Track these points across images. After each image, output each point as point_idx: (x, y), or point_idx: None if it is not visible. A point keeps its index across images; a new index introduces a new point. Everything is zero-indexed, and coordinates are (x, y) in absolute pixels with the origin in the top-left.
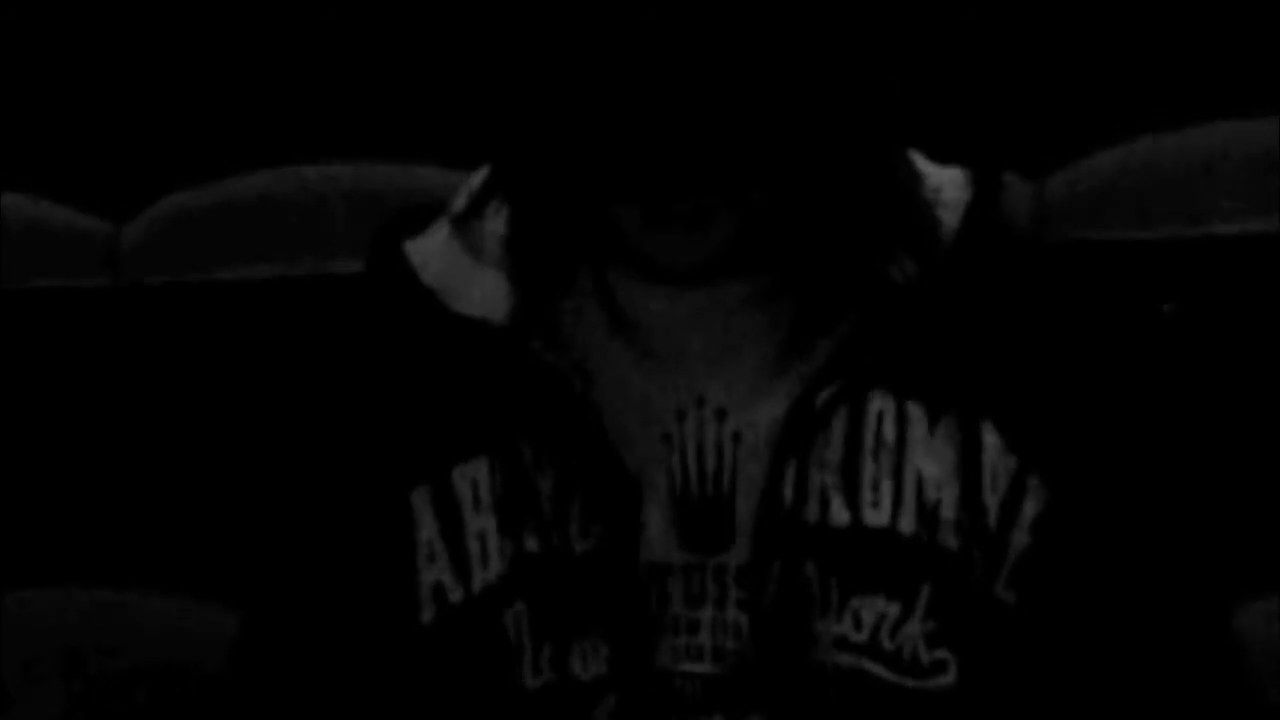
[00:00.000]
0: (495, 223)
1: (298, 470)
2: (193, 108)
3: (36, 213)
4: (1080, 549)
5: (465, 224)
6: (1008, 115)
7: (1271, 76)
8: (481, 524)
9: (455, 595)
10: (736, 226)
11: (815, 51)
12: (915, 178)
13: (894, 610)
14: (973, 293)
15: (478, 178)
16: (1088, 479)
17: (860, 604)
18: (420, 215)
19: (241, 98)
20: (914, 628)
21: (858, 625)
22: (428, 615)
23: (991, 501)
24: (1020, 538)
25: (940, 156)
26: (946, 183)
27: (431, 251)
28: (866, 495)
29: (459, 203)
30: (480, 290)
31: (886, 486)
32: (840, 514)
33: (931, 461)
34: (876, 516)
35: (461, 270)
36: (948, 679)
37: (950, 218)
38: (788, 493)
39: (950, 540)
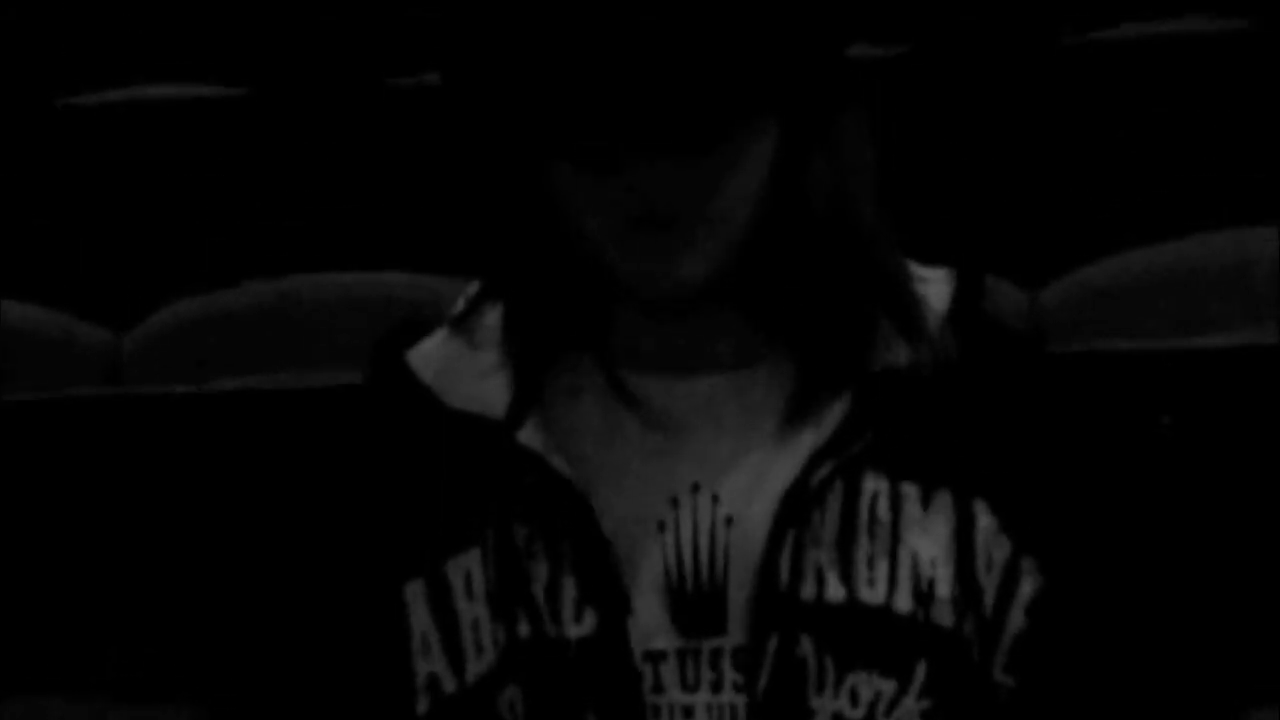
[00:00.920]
0: (492, 316)
1: (295, 572)
2: (194, 218)
3: (37, 321)
4: (1078, 640)
5: (463, 322)
6: (1003, 227)
7: (1264, 187)
8: (475, 613)
9: (449, 686)
10: (727, 314)
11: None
12: (903, 267)
13: (890, 688)
14: (964, 377)
15: (475, 286)
16: (1085, 571)
17: (857, 680)
18: (420, 326)
19: (242, 209)
20: (910, 705)
21: (855, 702)
22: (423, 707)
23: (987, 582)
24: (1016, 619)
25: (936, 266)
26: (932, 277)
27: (430, 354)
28: (862, 573)
29: (458, 306)
30: (476, 385)
31: (882, 565)
32: (836, 591)
33: (926, 540)
34: (872, 594)
35: (459, 364)
36: None
37: (938, 305)
38: (784, 570)
39: (946, 619)
